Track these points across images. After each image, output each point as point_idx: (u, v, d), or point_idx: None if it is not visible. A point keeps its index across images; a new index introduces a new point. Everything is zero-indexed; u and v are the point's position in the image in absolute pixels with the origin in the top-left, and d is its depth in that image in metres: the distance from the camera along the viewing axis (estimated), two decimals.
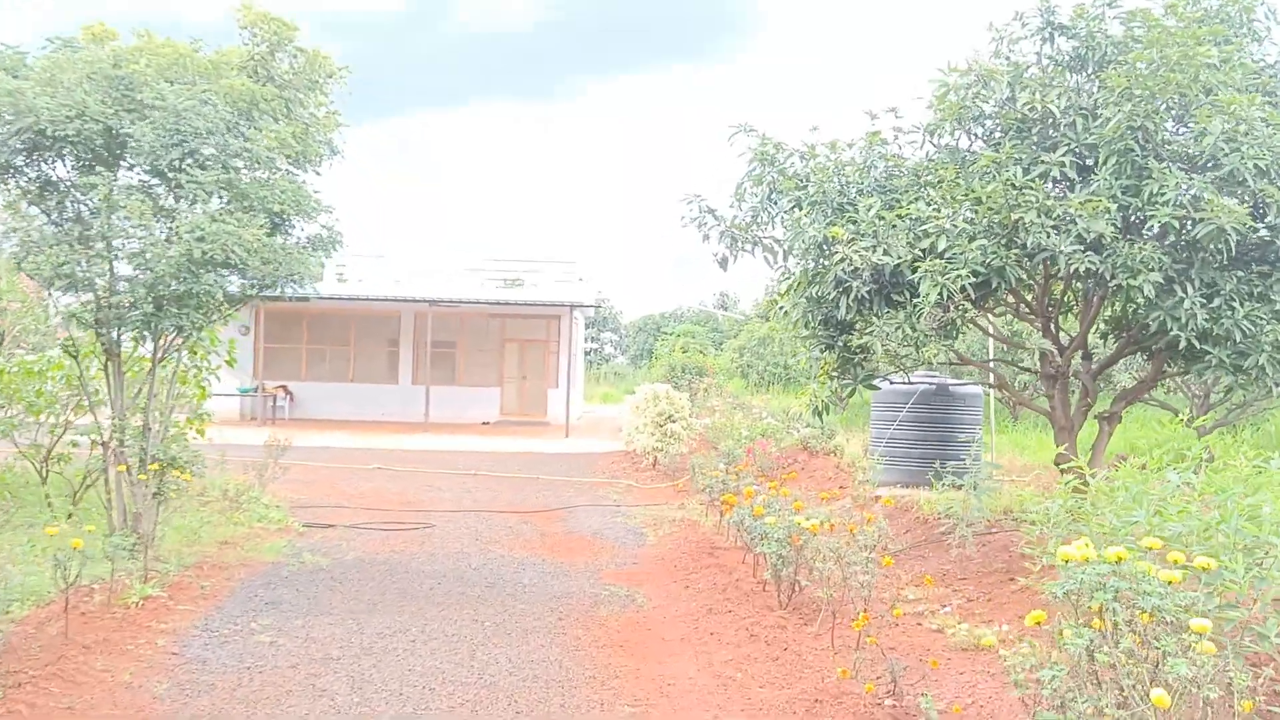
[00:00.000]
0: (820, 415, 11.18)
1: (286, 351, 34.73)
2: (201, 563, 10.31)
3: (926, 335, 9.56)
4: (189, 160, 9.39)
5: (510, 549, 12.12)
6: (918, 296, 9.28)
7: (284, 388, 33.61)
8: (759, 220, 11.01)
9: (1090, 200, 8.86)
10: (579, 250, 35.93)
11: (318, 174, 10.86)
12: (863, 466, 17.58)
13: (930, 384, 14.03)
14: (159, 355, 10.08)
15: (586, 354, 54.83)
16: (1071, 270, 9.12)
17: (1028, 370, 13.27)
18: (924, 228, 9.38)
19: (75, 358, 10.57)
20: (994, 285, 9.48)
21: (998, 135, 10.23)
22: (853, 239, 9.56)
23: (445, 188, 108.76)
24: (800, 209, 10.22)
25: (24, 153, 9.45)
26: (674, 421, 19.98)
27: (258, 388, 31.33)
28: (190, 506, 13.57)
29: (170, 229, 9.34)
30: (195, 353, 11.84)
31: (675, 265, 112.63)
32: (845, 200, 10.24)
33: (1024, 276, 10.19)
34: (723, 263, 10.94)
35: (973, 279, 8.99)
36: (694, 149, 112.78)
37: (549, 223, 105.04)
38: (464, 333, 34.79)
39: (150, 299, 9.23)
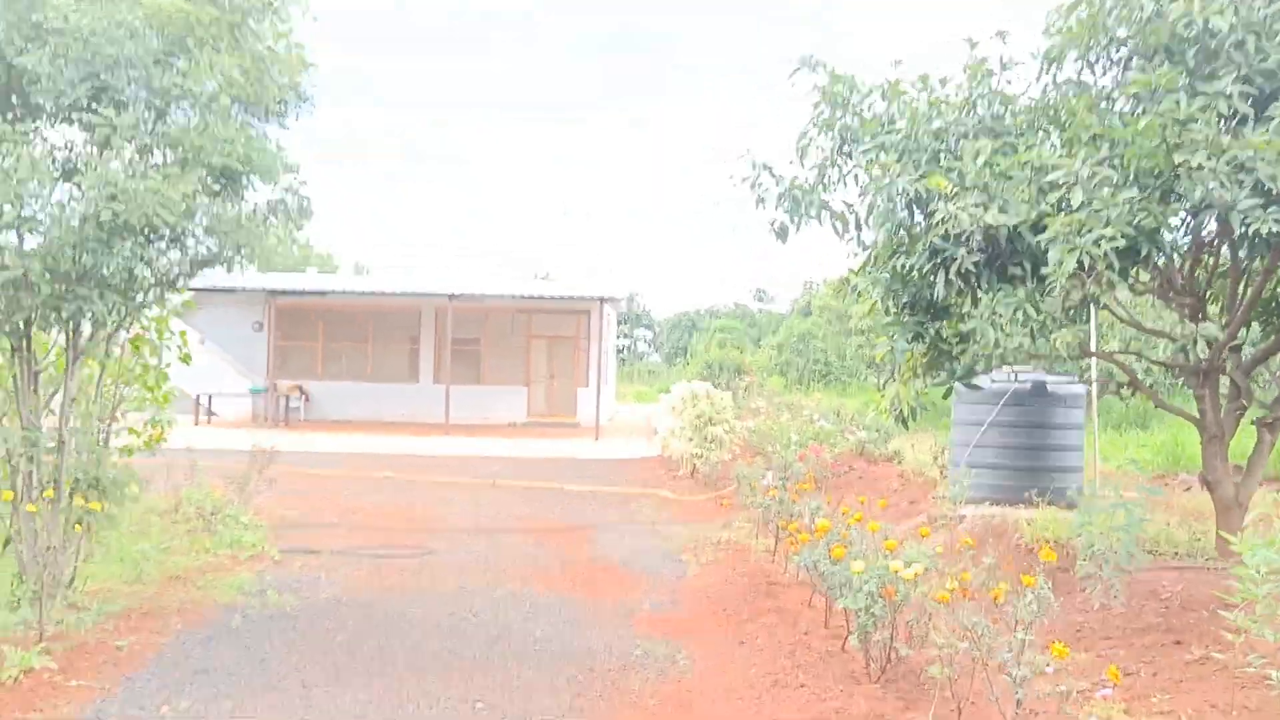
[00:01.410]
0: (905, 422, 8.97)
1: (302, 349, 32.83)
2: (132, 610, 8.23)
3: (1054, 318, 7.36)
4: (101, 99, 7.34)
5: (524, 583, 10.00)
6: (1043, 267, 7.09)
7: (299, 387, 31.69)
8: (826, 180, 8.84)
9: (1277, 140, 6.65)
10: (610, 244, 33.79)
11: (282, 126, 8.77)
12: (933, 477, 15.38)
13: (1025, 382, 11.79)
14: (74, 352, 8.00)
15: (618, 351, 52.74)
16: (1251, 232, 6.88)
17: (1160, 364, 11.03)
18: (1050, 178, 7.18)
19: None
20: (1142, 252, 7.27)
21: (1135, 65, 7.99)
22: (956, 193, 7.36)
23: (474, 186, 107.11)
24: (883, 156, 8.02)
25: None
26: (715, 424, 17.82)
27: (270, 388, 29.39)
28: (154, 529, 11.57)
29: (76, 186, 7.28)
30: (138, 348, 9.80)
31: (711, 258, 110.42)
32: (942, 146, 8.04)
33: (1177, 241, 7.97)
34: (781, 232, 8.76)
35: (1121, 242, 6.79)
36: (733, 146, 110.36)
37: (580, 219, 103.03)
38: (488, 329, 32.76)
39: (47, 277, 7.14)
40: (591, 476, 19.28)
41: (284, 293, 30.26)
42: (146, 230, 7.24)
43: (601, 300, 30.28)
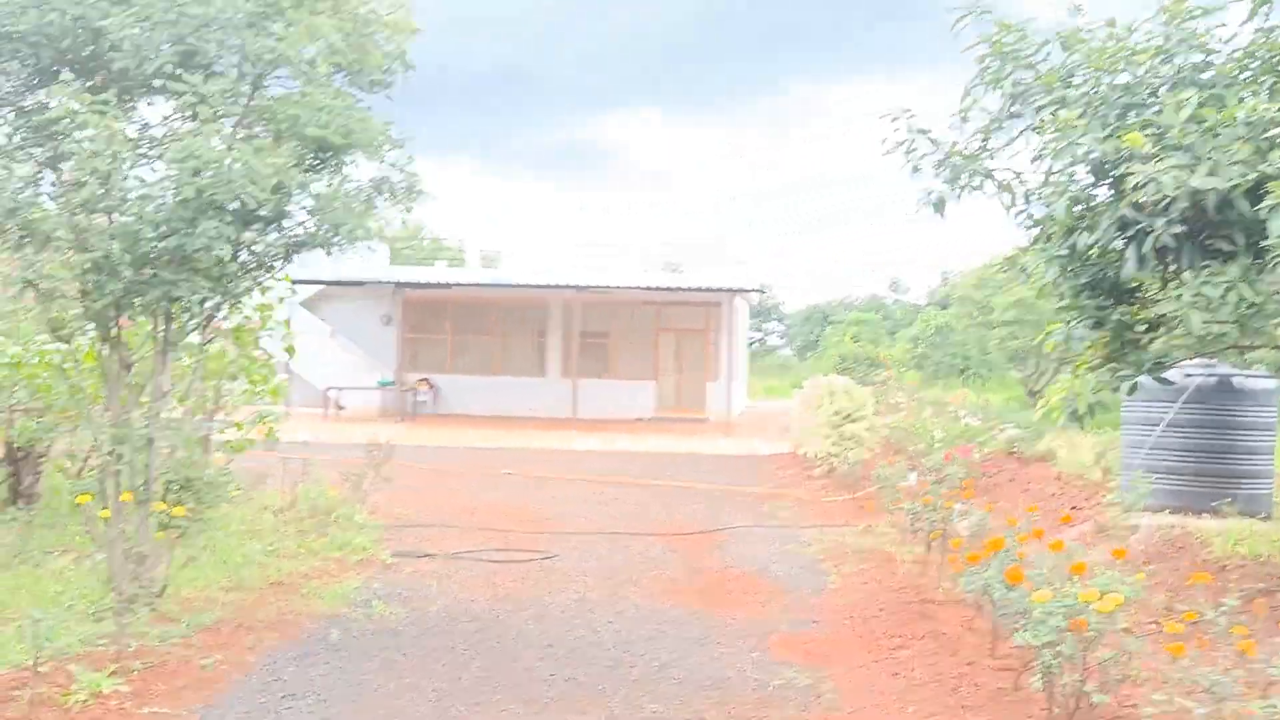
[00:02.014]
0: (1081, 420, 7.86)
1: (430, 343, 32.63)
2: (225, 621, 7.60)
3: (1275, 301, 6.20)
4: (189, 65, 6.71)
5: (649, 595, 9.16)
6: (1262, 240, 5.96)
7: (426, 380, 31.49)
8: (991, 145, 7.78)
9: None
10: (742, 235, 32.78)
11: (388, 97, 8.08)
12: (1093, 480, 14.10)
13: (1208, 376, 10.51)
14: (164, 341, 7.41)
15: (749, 345, 51.63)
16: None
17: None
18: (1271, 134, 6.04)
19: (67, 341, 7.97)
20: None
21: None
22: (1155, 153, 6.26)
23: (607, 188, 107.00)
24: (1063, 112, 6.92)
25: None
26: (854, 421, 16.75)
27: (398, 381, 29.18)
28: (266, 529, 11.08)
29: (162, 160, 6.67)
30: (242, 340, 9.25)
31: (845, 250, 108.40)
32: (1134, 101, 6.92)
33: None
34: (939, 204, 7.73)
35: None
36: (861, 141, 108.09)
37: (711, 216, 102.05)
38: (616, 322, 32.08)
39: (128, 259, 6.53)
40: (722, 475, 18.39)
41: (412, 285, 30.03)
42: (236, 208, 6.58)
43: (733, 292, 29.34)
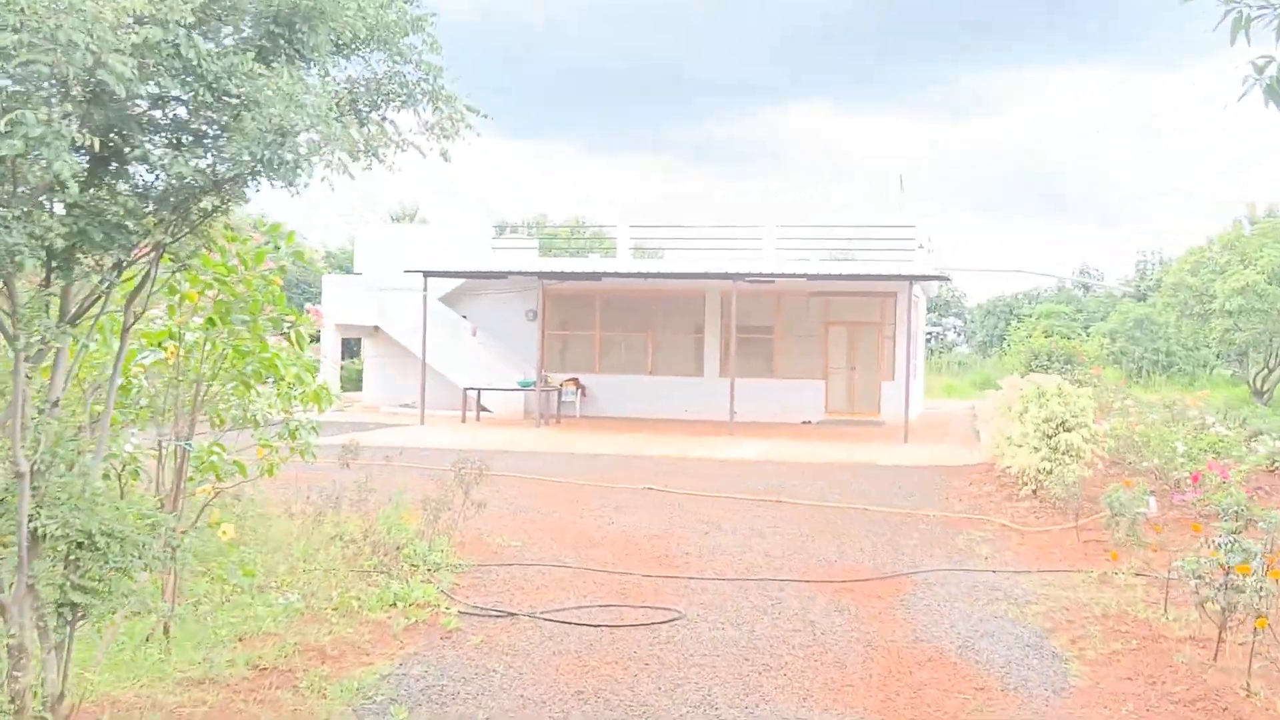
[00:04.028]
0: None
1: (577, 339, 30.28)
2: None
3: None
4: None
5: (802, 695, 6.31)
6: None
7: (575, 380, 29.11)
8: None
9: None
10: (918, 228, 29.45)
11: None
12: None
13: None
14: (74, 313, 4.86)
15: (925, 340, 47.86)
16: None
17: None
18: None
19: None
20: None
21: None
22: None
23: (773, 181, 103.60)
24: None
25: None
26: (1069, 430, 13.46)
27: (539, 381, 26.87)
28: (318, 567, 8.67)
29: None
30: (257, 330, 6.72)
31: (1027, 239, 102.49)
32: None
33: None
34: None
35: None
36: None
37: (884, 208, 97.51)
38: (780, 316, 29.11)
39: None
40: (902, 492, 15.32)
41: (557, 277, 27.70)
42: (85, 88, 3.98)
43: (910, 280, 26.01)
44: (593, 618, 7.92)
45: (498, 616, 7.83)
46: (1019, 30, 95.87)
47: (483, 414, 27.83)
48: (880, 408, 28.31)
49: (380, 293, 29.52)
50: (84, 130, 3.79)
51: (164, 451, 6.15)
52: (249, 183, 4.60)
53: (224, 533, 6.29)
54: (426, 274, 26.22)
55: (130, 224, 4.29)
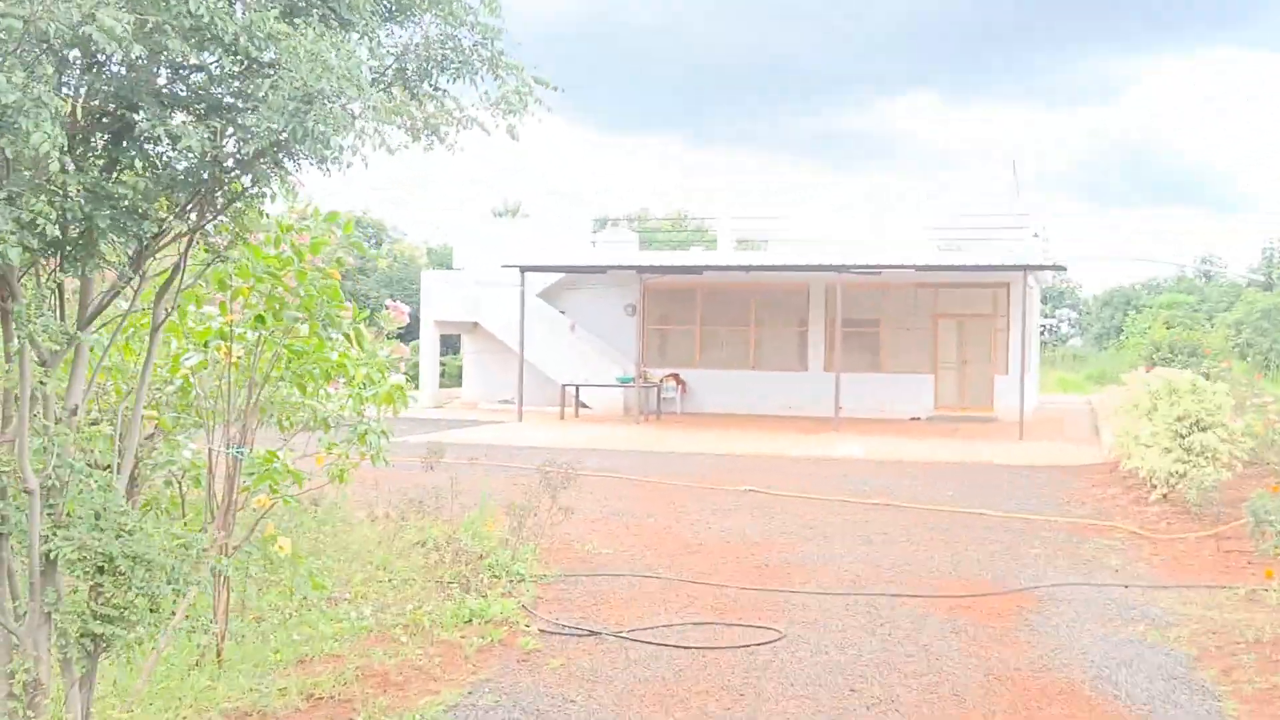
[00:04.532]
0: None
1: (678, 334, 29.65)
2: None
3: None
4: None
5: None
6: None
7: (675, 376, 28.53)
8: None
9: None
10: (1032, 217, 28.21)
11: None
12: None
13: None
14: (91, 308, 4.39)
15: (1039, 332, 46.20)
16: None
17: None
18: None
19: None
20: None
21: None
22: None
23: (882, 174, 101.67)
24: None
25: None
26: (1205, 429, 12.44)
27: (638, 377, 26.27)
28: (396, 579, 8.22)
29: None
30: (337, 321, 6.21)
31: (1144, 227, 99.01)
32: None
33: None
34: None
35: None
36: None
37: (996, 200, 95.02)
38: (887, 308, 28.15)
39: None
40: (1019, 494, 14.41)
41: (657, 270, 27.09)
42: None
43: (1025, 270, 24.84)
44: (684, 638, 7.29)
45: (581, 635, 7.24)
46: (1131, 13, 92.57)
47: (582, 410, 27.38)
48: (993, 403, 27.21)
49: (478, 288, 29.23)
50: (74, 98, 3.27)
51: (214, 459, 5.67)
52: (282, 161, 4.05)
53: (280, 548, 5.80)
54: (524, 268, 25.83)
55: (144, 208, 3.77)
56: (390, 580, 8.44)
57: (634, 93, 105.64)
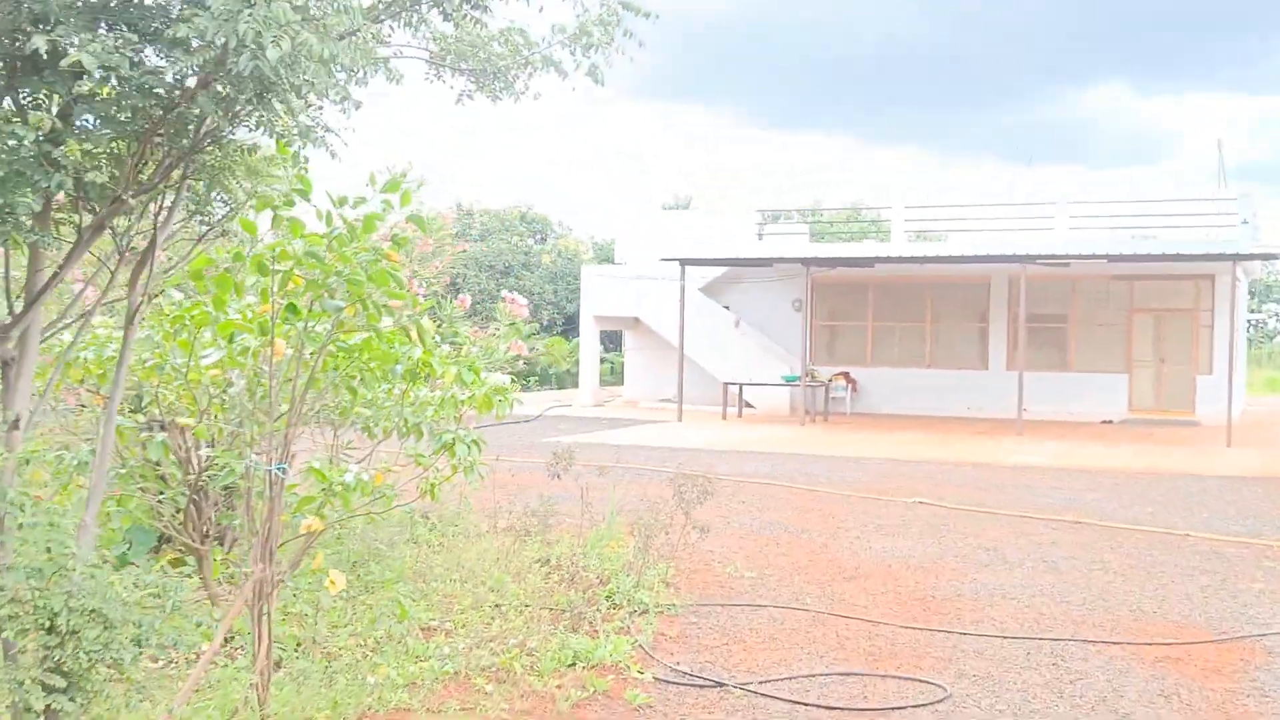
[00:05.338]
0: None
1: (848, 330, 28.22)
2: None
3: None
4: None
5: None
6: None
7: (845, 375, 27.10)
8: None
9: None
10: (1236, 204, 25.73)
11: None
12: None
13: None
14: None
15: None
16: None
17: None
18: None
19: None
20: None
21: None
22: None
23: (1072, 165, 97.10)
24: None
25: None
26: None
27: (804, 376, 24.92)
28: (510, 603, 7.30)
29: None
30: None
31: None
32: None
33: None
34: None
35: None
36: None
37: (1195, 191, 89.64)
38: (1076, 302, 26.12)
39: None
40: (1231, 512, 12.65)
41: (825, 263, 25.68)
42: None
43: (1233, 259, 22.48)
44: (827, 693, 6.09)
45: (703, 687, 6.12)
46: None
47: (746, 410, 26.21)
48: (1194, 406, 24.92)
49: (639, 283, 28.34)
50: None
51: (252, 475, 4.77)
52: (267, 99, 3.06)
53: (332, 583, 4.87)
54: (684, 262, 24.77)
55: (58, 157, 2.85)
56: (500, 606, 7.49)
57: (802, 89, 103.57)
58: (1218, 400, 22.80)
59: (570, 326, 39.33)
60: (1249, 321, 52.28)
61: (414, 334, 5.13)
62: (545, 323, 41.42)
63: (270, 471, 4.79)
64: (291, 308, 4.53)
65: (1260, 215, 26.70)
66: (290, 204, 4.71)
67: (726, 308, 28.30)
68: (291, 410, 4.84)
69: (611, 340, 36.65)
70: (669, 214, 33.22)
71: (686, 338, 25.35)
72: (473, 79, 3.66)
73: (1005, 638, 7.28)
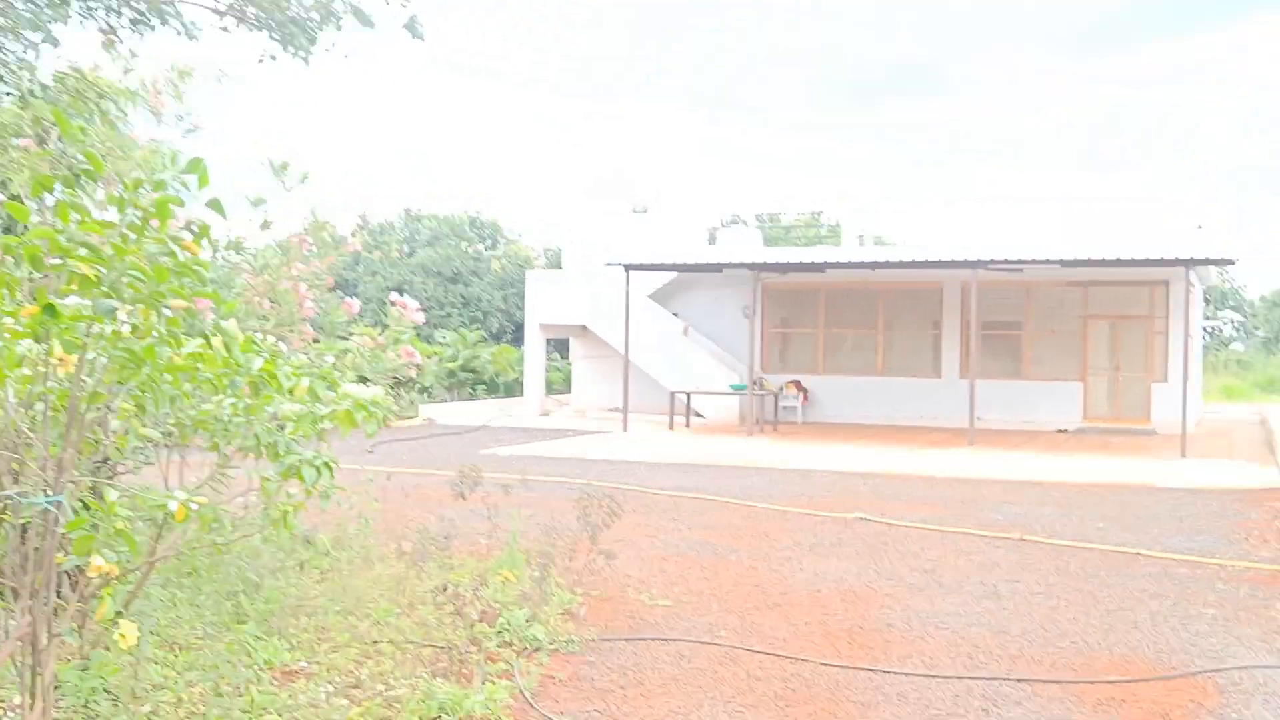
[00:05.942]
0: None
1: (799, 338, 27.58)
2: None
3: None
4: None
5: None
6: None
7: (796, 384, 26.47)
8: None
9: None
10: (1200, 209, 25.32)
11: None
12: None
13: None
14: None
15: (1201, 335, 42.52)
16: None
17: None
18: None
19: None
20: None
21: None
22: None
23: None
24: None
25: None
26: None
27: (751, 385, 24.23)
28: (389, 642, 6.54)
29: None
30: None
31: None
32: None
33: None
34: None
35: None
36: None
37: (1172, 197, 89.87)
38: (1030, 309, 25.62)
39: None
40: (1185, 527, 12.06)
41: (774, 269, 25.01)
42: None
43: (1187, 265, 21.94)
44: None
45: None
46: None
47: (695, 420, 25.49)
48: (1150, 414, 24.46)
49: (586, 290, 27.59)
50: None
51: (19, 510, 3.98)
52: None
53: (122, 636, 4.09)
54: (629, 267, 24.04)
55: None
56: (378, 643, 6.72)
57: (767, 89, 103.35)
58: (1173, 408, 22.33)
59: (520, 334, 38.52)
60: (1205, 329, 52.20)
61: (216, 342, 4.34)
62: (494, 330, 40.56)
63: (47, 506, 4.01)
64: (49, 309, 3.74)
65: (1226, 218, 26.21)
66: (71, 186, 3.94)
67: (676, 315, 27.62)
68: (69, 431, 4.05)
69: (563, 347, 35.88)
70: (617, 218, 32.45)
71: (634, 345, 24.63)
72: (275, 33, 2.96)
73: (933, 677, 6.57)
